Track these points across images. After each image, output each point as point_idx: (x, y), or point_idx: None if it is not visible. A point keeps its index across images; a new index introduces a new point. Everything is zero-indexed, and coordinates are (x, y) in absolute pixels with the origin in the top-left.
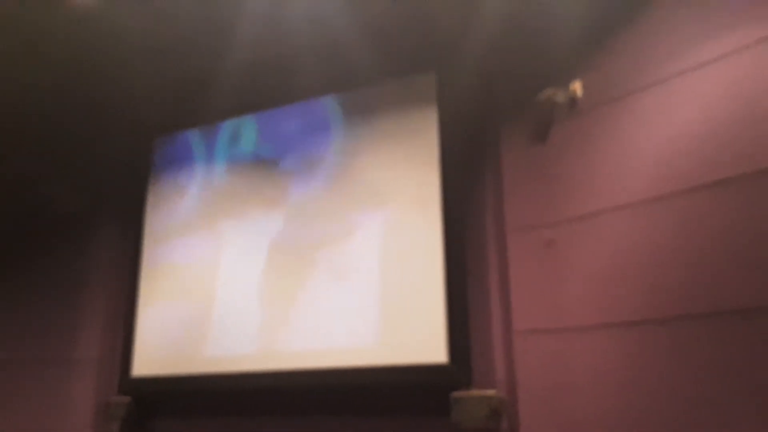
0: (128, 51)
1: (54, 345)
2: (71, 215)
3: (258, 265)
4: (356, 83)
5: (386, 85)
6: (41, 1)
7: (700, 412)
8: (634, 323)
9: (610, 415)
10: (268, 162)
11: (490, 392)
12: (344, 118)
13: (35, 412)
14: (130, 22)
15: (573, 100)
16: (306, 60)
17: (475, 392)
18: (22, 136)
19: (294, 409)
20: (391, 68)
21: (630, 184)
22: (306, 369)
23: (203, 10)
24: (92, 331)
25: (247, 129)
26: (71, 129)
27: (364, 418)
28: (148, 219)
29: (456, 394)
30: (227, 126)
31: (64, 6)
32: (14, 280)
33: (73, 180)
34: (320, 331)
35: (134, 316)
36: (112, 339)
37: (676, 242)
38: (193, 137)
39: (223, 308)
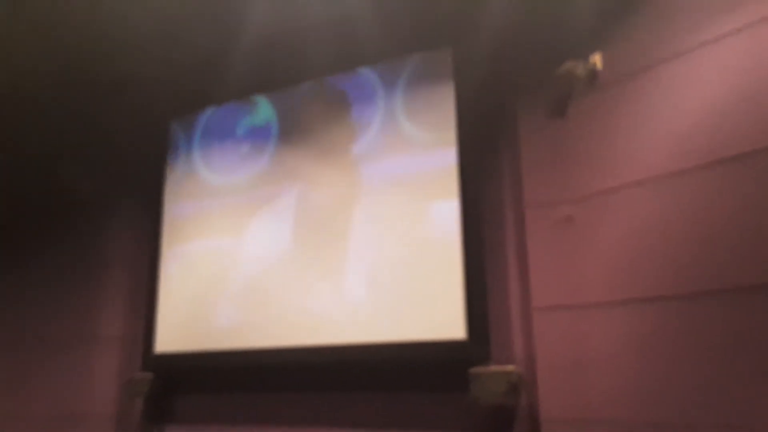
0: (142, 33)
1: (77, 323)
2: (92, 196)
3: (278, 242)
4: (371, 60)
5: (402, 62)
6: None
7: (718, 388)
8: (653, 299)
9: (628, 390)
10: (285, 141)
11: (509, 368)
12: (360, 95)
13: (59, 389)
14: (144, 3)
15: (593, 74)
16: (320, 37)
17: (493, 368)
18: (42, 120)
19: (313, 384)
20: (407, 44)
21: (650, 159)
22: (325, 345)
23: None
24: (115, 308)
25: (264, 108)
26: (89, 112)
27: (383, 393)
28: (167, 198)
29: (474, 370)
30: (243, 105)
31: None
32: (37, 260)
33: (92, 162)
34: (339, 308)
35: (156, 293)
36: (135, 316)
37: (696, 217)
38: (210, 117)
39: (243, 285)
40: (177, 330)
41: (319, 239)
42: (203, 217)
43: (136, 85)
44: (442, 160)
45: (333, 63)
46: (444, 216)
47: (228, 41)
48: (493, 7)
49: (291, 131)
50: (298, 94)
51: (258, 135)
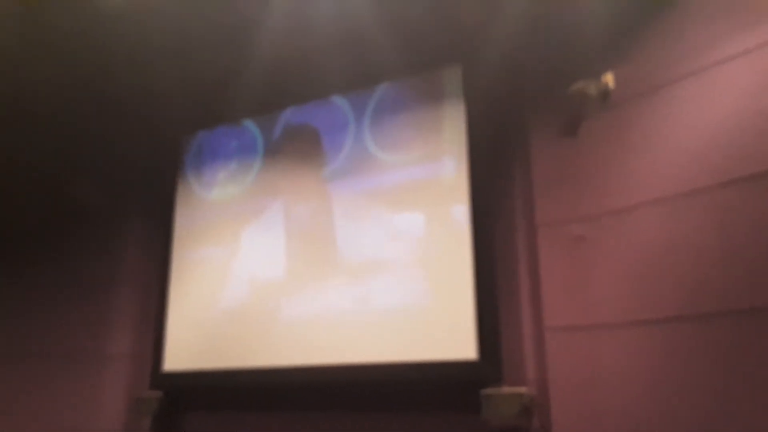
0: (154, 50)
1: (86, 340)
2: (101, 212)
3: (287, 261)
4: (382, 79)
5: (412, 80)
6: (67, 2)
7: (731, 409)
8: (666, 320)
9: (642, 413)
10: (295, 159)
11: (521, 389)
12: (371, 113)
13: (67, 407)
14: (156, 21)
15: (605, 93)
16: (331, 56)
17: (505, 389)
18: (51, 136)
19: (323, 404)
20: (417, 63)
21: (663, 179)
22: (335, 364)
23: (228, 9)
24: (124, 326)
25: (275, 126)
26: (99, 128)
27: (393, 414)
28: (177, 215)
29: (486, 391)
30: (254, 123)
31: (90, 6)
32: (46, 276)
33: (102, 178)
34: (350, 327)
35: (165, 311)
36: (144, 334)
37: (710, 237)
38: (221, 135)
39: (252, 303)
40: (186, 348)
41: (330, 260)
42: (213, 234)
43: (146, 101)
44: (452, 179)
45: (344, 82)
46: (455, 234)
47: (239, 60)
48: (504, 26)
49: (301, 150)
50: (310, 112)
51: (268, 153)
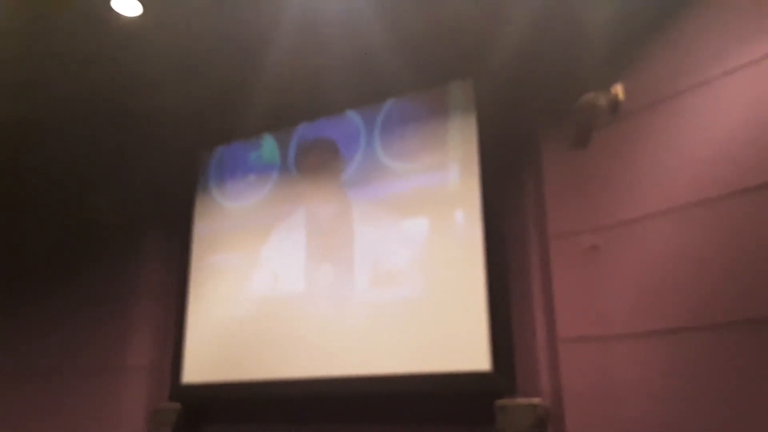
0: (170, 67)
1: (105, 353)
2: (119, 228)
3: (303, 273)
4: (394, 93)
5: (424, 94)
6: (84, 24)
7: (743, 421)
8: (679, 329)
9: (654, 422)
10: (309, 172)
11: (535, 400)
12: (385, 127)
13: (88, 420)
14: (171, 39)
15: (615, 104)
16: (343, 73)
17: (519, 400)
18: (69, 152)
19: (339, 416)
20: (429, 77)
21: (674, 189)
22: (352, 376)
23: (241, 27)
24: (143, 339)
25: (291, 138)
26: (117, 144)
27: (409, 425)
28: (196, 229)
29: (500, 402)
30: (272, 136)
31: (106, 25)
32: (66, 291)
33: (119, 194)
34: (364, 339)
35: (184, 323)
36: (163, 347)
37: (722, 247)
38: (241, 147)
39: (270, 315)
40: (205, 360)
41: (345, 272)
42: (232, 247)
43: (162, 118)
44: (465, 191)
45: (357, 97)
46: (468, 246)
47: (253, 77)
48: (513, 39)
49: (316, 164)
50: (324, 127)
51: (283, 167)
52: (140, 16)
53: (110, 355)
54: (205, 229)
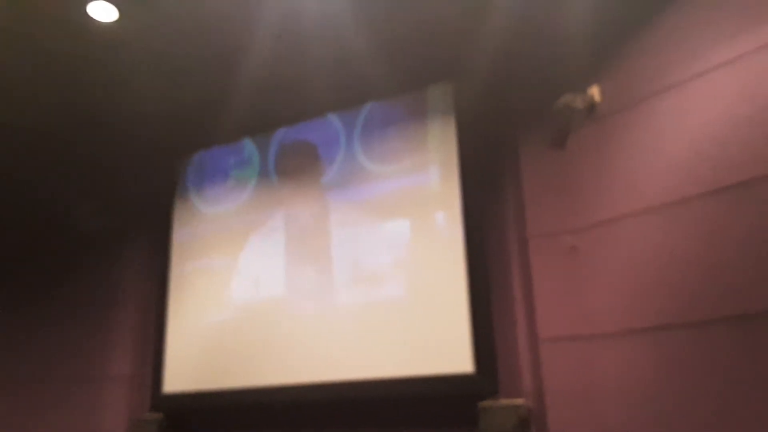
0: (147, 74)
1: (87, 363)
2: (99, 235)
3: (284, 278)
4: (373, 96)
5: (404, 97)
6: (59, 30)
7: (728, 417)
8: (660, 328)
9: (639, 421)
10: (289, 176)
11: (518, 401)
12: (365, 130)
13: (68, 429)
14: (149, 46)
15: (591, 106)
16: (322, 76)
17: (502, 402)
18: (49, 159)
19: (322, 421)
20: (407, 80)
21: (651, 189)
22: (334, 381)
23: (217, 30)
24: (123, 348)
25: (270, 142)
26: (96, 151)
27: (392, 429)
28: (175, 236)
29: (483, 404)
30: (251, 140)
31: (85, 32)
32: (45, 300)
33: (98, 201)
34: (346, 344)
35: (164, 331)
36: (144, 355)
37: (699, 245)
38: (220, 152)
39: (252, 321)
40: (186, 369)
41: (325, 276)
42: (211, 254)
43: (141, 124)
44: (444, 193)
45: (335, 101)
46: (448, 249)
47: (231, 82)
48: (491, 42)
49: (295, 168)
50: (302, 131)
51: (262, 172)
52: (116, 22)
53: (91, 364)
54: (184, 235)
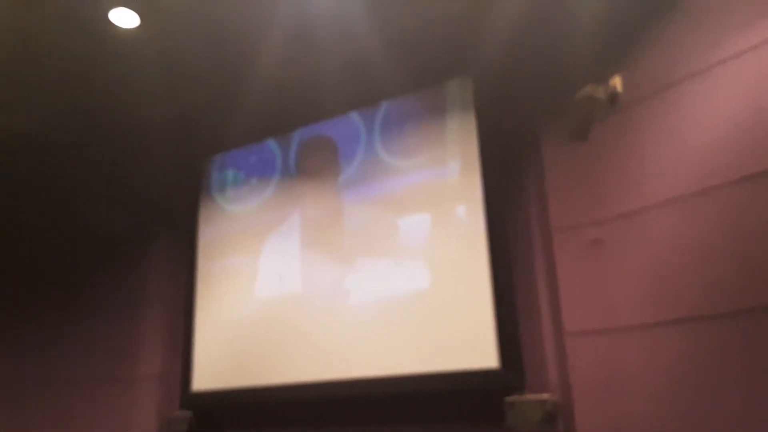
0: (168, 78)
1: (116, 362)
2: (126, 236)
3: (309, 274)
4: (391, 93)
5: (421, 93)
6: (81, 36)
7: (752, 407)
8: (686, 320)
9: (663, 413)
10: (310, 173)
11: (544, 396)
12: (384, 126)
13: (100, 429)
14: (169, 50)
15: (613, 96)
16: (338, 76)
17: (528, 396)
18: (74, 164)
19: (350, 418)
20: (426, 76)
21: (676, 178)
22: (359, 378)
23: (235, 34)
24: (152, 347)
25: (291, 141)
26: (121, 154)
27: (420, 425)
28: (201, 235)
29: (509, 398)
30: (273, 140)
31: (107, 34)
32: (75, 301)
33: (124, 203)
34: (371, 341)
35: (192, 330)
36: (172, 354)
37: (726, 235)
38: (243, 152)
39: (277, 319)
40: (214, 367)
41: (351, 273)
42: (238, 252)
43: (165, 127)
44: (466, 187)
45: (356, 99)
46: (471, 244)
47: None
48: (510, 34)
49: (317, 166)
50: (324, 129)
51: (286, 170)
52: (137, 27)
53: (121, 364)
54: (210, 234)
